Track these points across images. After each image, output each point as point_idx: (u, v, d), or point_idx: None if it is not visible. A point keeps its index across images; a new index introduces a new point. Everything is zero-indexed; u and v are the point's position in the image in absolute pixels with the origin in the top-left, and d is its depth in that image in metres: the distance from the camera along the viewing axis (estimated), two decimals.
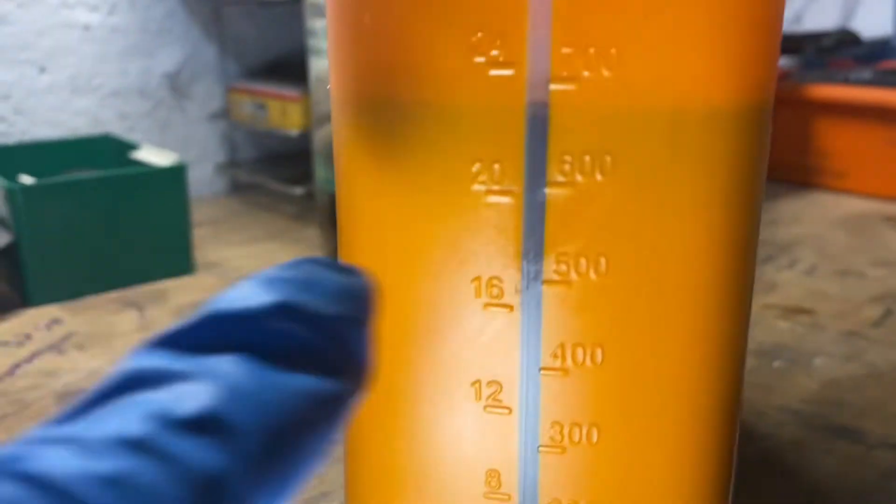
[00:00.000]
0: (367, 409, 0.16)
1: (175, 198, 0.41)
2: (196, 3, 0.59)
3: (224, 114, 0.61)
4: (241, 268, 0.44)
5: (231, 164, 0.62)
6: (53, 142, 0.49)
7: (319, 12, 0.38)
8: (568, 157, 0.14)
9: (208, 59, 0.60)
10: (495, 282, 0.15)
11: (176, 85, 0.59)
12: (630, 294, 0.14)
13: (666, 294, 0.14)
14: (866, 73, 0.61)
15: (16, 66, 0.51)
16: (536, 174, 0.14)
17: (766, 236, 0.50)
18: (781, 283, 0.42)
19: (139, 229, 0.40)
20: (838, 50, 0.71)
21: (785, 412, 0.28)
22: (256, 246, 0.48)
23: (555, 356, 0.15)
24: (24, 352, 0.34)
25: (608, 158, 0.14)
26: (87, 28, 0.54)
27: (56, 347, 0.34)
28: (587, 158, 0.14)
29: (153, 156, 0.44)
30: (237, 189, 0.62)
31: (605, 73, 0.13)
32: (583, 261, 0.14)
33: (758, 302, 0.39)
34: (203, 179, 0.61)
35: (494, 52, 0.13)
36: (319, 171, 0.42)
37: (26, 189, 0.37)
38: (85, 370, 0.32)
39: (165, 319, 0.37)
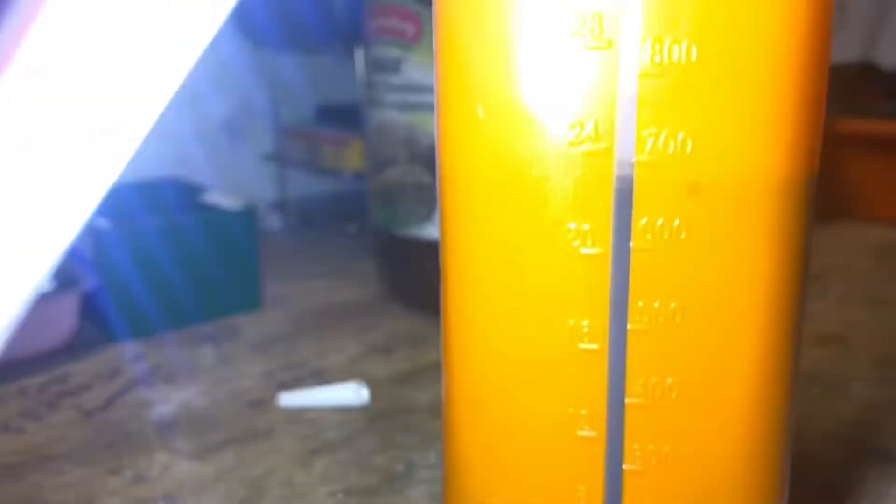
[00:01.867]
0: (469, 439, 0.19)
1: (246, 238, 0.44)
2: (250, 52, 0.63)
3: (277, 156, 0.64)
4: (303, 302, 0.47)
5: (284, 204, 0.65)
6: (124, 185, 0.52)
7: (378, 67, 0.41)
8: (648, 222, 0.17)
9: (262, 104, 0.64)
10: (586, 326, 0.17)
11: (231, 129, 0.63)
12: (702, 337, 0.17)
13: (733, 335, 0.17)
14: (891, 106, 0.64)
15: None
16: (622, 235, 0.17)
17: None
18: (815, 312, 0.44)
19: (212, 269, 0.44)
20: (862, 83, 0.74)
21: (825, 435, 0.31)
22: (314, 281, 0.51)
23: (637, 393, 0.17)
24: (115, 385, 0.37)
25: (683, 223, 0.16)
26: None
27: (144, 381, 0.37)
28: (665, 223, 0.16)
29: (221, 199, 0.47)
30: (290, 227, 0.65)
31: (681, 150, 0.16)
32: (662, 311, 0.17)
33: None
34: (258, 218, 0.64)
35: (587, 134, 0.16)
36: (377, 212, 0.45)
37: (112, 234, 0.41)
38: (177, 400, 0.35)
39: (241, 352, 0.40)
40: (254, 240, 0.45)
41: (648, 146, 0.16)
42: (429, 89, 0.41)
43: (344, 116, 0.60)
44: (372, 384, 0.35)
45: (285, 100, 0.66)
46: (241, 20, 0.59)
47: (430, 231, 0.41)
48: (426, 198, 0.41)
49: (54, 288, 0.40)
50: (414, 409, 0.34)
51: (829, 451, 0.30)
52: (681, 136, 0.16)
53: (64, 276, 0.41)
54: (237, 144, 0.64)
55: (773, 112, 0.16)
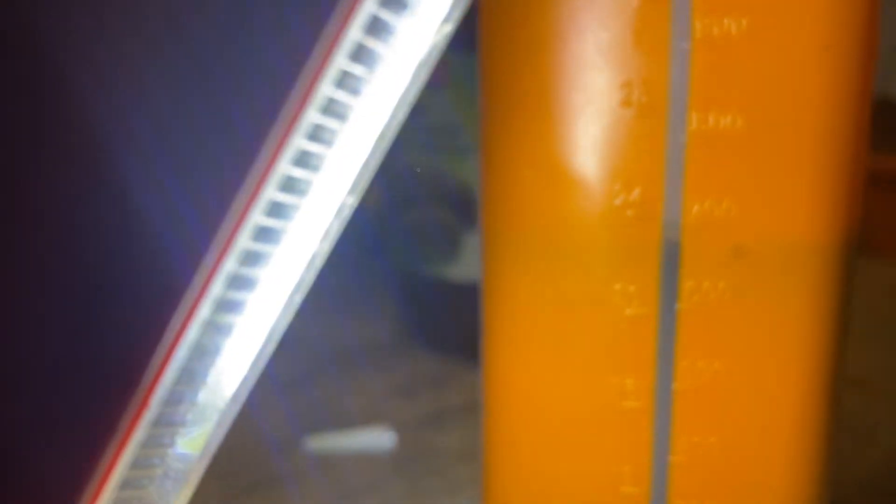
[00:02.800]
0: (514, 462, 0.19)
1: None
2: None
3: None
4: (322, 340, 0.47)
5: None
6: None
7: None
8: (694, 284, 0.17)
9: None
10: (631, 385, 0.18)
11: None
12: (745, 397, 0.17)
13: (776, 395, 0.17)
14: None
15: None
16: (668, 297, 0.17)
17: None
18: None
19: None
20: (878, 119, 0.74)
21: (856, 483, 0.31)
22: (337, 319, 0.51)
23: (681, 451, 0.18)
24: None
25: (728, 286, 0.17)
26: None
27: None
28: (711, 285, 0.17)
29: None
30: None
31: (726, 215, 0.16)
32: (707, 370, 0.17)
33: None
34: None
35: (634, 199, 0.17)
36: (399, 251, 0.46)
37: None
38: None
39: (262, 394, 0.40)
40: None
41: (694, 211, 0.16)
42: (453, 131, 0.41)
43: None
44: (396, 427, 0.35)
45: None
46: None
47: (452, 271, 0.42)
48: (449, 238, 0.42)
49: None
50: (440, 454, 0.34)
51: (864, 499, 0.29)
52: (726, 201, 0.16)
53: None
54: None
55: (815, 180, 0.16)
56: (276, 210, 0.14)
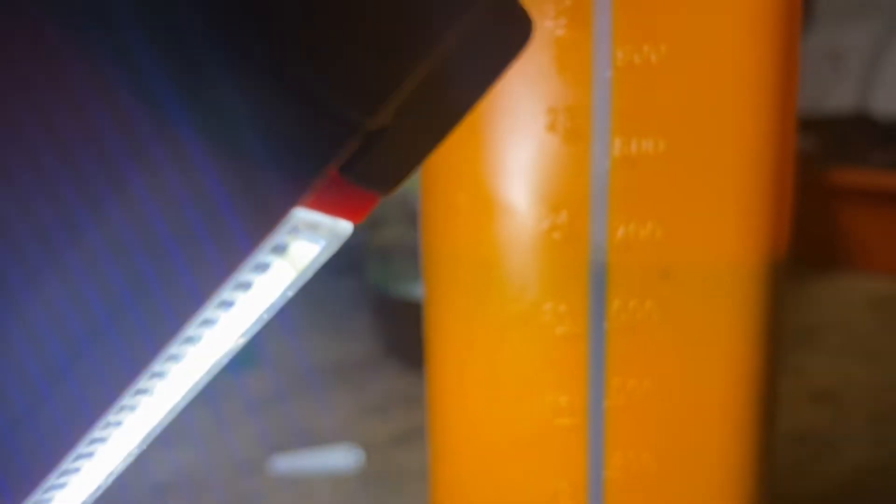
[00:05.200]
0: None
1: None
2: None
3: None
4: (299, 360, 0.48)
5: None
6: None
7: None
8: (622, 304, 0.17)
9: None
10: (564, 403, 0.18)
11: None
12: (675, 414, 0.18)
13: (706, 412, 0.18)
14: (884, 157, 0.64)
15: None
16: (597, 317, 0.17)
17: (793, 320, 0.53)
18: (808, 367, 0.44)
19: None
20: (856, 133, 0.75)
21: (819, 497, 0.31)
22: (312, 339, 0.52)
23: (616, 467, 0.18)
24: None
25: (655, 306, 0.17)
26: None
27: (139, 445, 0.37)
28: (638, 305, 0.17)
29: None
30: None
31: (651, 237, 0.17)
32: (637, 388, 0.17)
33: (786, 386, 0.42)
34: None
35: (562, 222, 0.17)
36: (372, 271, 0.46)
37: None
38: (171, 463, 0.35)
39: (236, 413, 0.40)
40: None
41: (620, 233, 0.17)
42: None
43: None
44: (366, 446, 0.36)
45: None
46: None
47: (422, 291, 0.42)
48: (418, 258, 0.42)
49: None
50: (407, 472, 0.34)
51: None
52: (650, 224, 0.17)
53: None
54: None
55: (737, 201, 0.17)
56: None
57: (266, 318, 0.13)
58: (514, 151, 0.17)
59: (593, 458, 0.18)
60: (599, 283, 0.17)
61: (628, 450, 0.18)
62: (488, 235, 0.18)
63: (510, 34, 0.12)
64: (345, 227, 0.12)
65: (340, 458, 0.34)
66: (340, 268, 0.62)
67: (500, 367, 0.18)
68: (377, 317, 0.48)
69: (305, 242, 0.12)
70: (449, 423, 0.20)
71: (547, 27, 0.16)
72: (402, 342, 0.45)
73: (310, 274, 0.13)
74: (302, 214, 0.11)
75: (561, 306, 0.17)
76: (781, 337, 0.19)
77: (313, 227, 0.12)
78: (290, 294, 0.13)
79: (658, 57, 0.16)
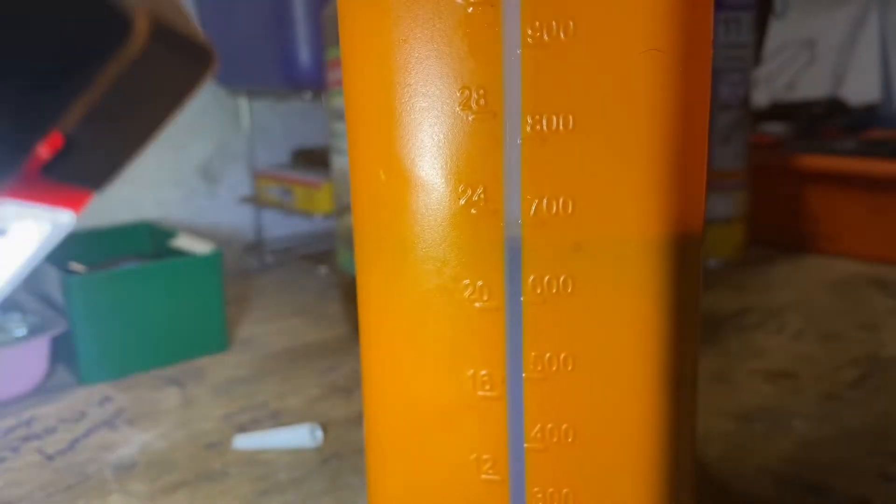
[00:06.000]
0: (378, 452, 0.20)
1: (212, 282, 0.45)
2: (225, 98, 0.64)
3: (252, 199, 0.66)
4: (270, 343, 0.48)
5: (258, 245, 0.67)
6: (98, 230, 0.53)
7: (338, 116, 0.43)
8: (537, 278, 0.18)
9: (237, 148, 0.66)
10: (485, 375, 0.18)
11: (207, 173, 0.64)
12: (592, 384, 0.18)
13: (621, 381, 0.18)
14: (852, 144, 0.65)
15: None
16: (514, 290, 0.18)
17: (759, 302, 0.54)
18: (769, 348, 0.45)
19: (179, 312, 0.45)
20: (828, 118, 0.75)
21: (761, 472, 0.32)
22: (283, 322, 0.52)
23: (536, 438, 0.19)
24: (80, 428, 0.37)
25: (569, 279, 0.18)
26: None
27: (109, 423, 0.38)
28: (553, 279, 0.18)
29: (190, 243, 0.48)
30: (264, 268, 0.66)
31: (563, 212, 0.17)
32: (554, 360, 0.18)
33: (745, 367, 0.42)
34: (233, 259, 0.65)
35: (477, 198, 0.18)
36: (341, 255, 0.46)
37: (81, 279, 0.42)
38: (137, 443, 0.36)
39: (204, 394, 0.41)
40: (219, 284, 0.46)
41: (533, 209, 0.17)
42: None
43: (318, 160, 0.62)
44: (328, 425, 0.36)
45: (262, 144, 0.67)
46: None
47: None
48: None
49: (24, 333, 0.41)
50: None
51: (764, 489, 0.30)
52: (562, 198, 0.17)
53: (34, 321, 0.43)
54: (214, 189, 0.65)
55: (646, 176, 0.17)
56: None
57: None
58: (429, 130, 0.18)
59: (513, 428, 0.19)
60: (515, 258, 0.18)
61: (547, 420, 0.19)
62: (408, 212, 0.18)
63: (187, 62, 0.14)
64: (65, 216, 0.14)
65: (301, 435, 0.34)
66: (320, 254, 0.63)
67: (423, 341, 0.19)
68: (347, 301, 0.48)
69: (30, 226, 0.14)
70: (379, 395, 0.20)
71: (458, 6, 0.17)
72: None
73: (42, 254, 0.15)
74: (11, 205, 0.13)
75: (479, 281, 0.18)
76: (695, 310, 0.19)
77: (34, 216, 0.14)
78: (24, 273, 0.15)
79: (566, 34, 0.17)
